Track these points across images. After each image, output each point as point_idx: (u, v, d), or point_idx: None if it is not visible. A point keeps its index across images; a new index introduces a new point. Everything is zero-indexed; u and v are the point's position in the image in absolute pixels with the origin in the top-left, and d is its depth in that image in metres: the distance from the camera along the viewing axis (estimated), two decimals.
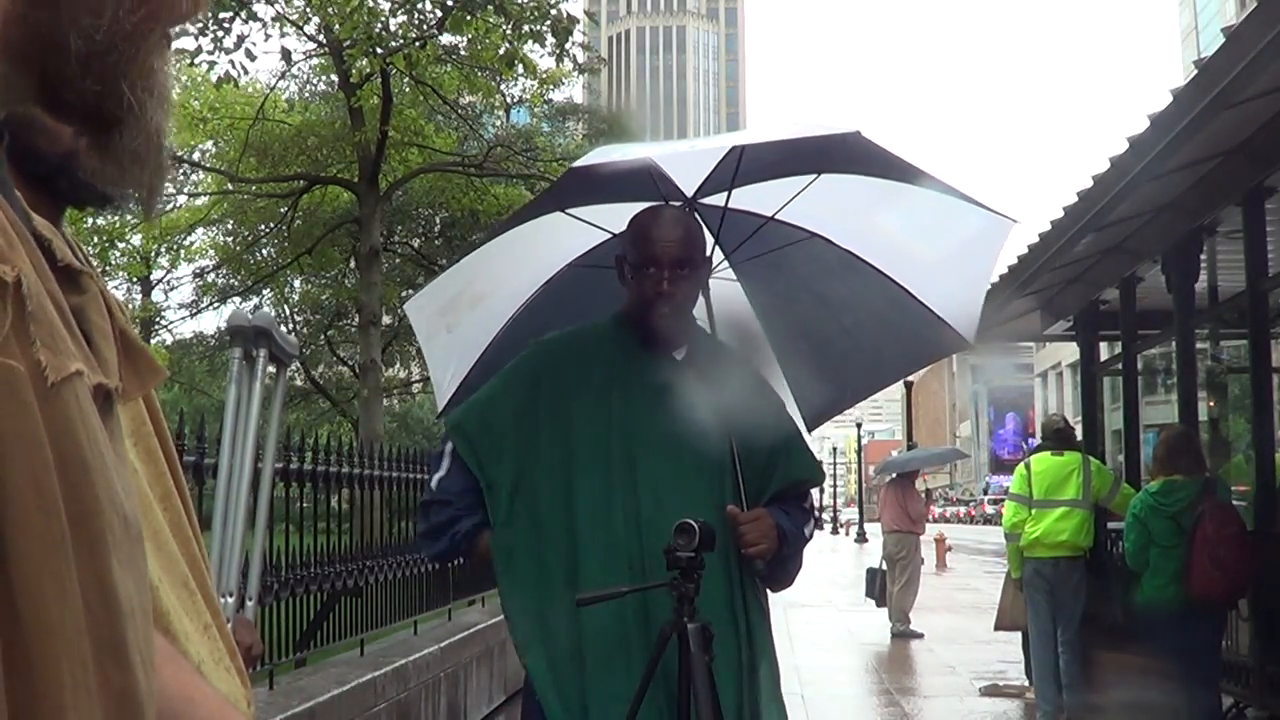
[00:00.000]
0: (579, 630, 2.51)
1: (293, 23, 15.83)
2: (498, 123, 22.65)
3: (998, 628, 8.25)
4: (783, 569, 2.69)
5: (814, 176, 3.00)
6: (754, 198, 3.08)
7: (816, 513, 2.89)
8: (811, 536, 2.78)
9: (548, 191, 3.29)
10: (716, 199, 3.03)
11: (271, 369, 3.08)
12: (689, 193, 2.97)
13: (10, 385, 0.63)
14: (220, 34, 13.64)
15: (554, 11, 13.86)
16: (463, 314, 3.25)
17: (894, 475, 13.25)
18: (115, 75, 0.74)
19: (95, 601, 0.67)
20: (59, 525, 0.65)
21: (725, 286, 3.16)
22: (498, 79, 17.71)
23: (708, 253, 2.79)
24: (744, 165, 2.89)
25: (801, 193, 3.03)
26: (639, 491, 2.56)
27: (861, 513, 46.35)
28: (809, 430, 3.47)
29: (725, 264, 3.20)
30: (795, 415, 3.38)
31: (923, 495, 14.01)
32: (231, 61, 13.91)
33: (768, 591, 2.78)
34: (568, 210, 3.10)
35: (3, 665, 0.61)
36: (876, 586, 12.71)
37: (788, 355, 3.36)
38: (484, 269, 3.20)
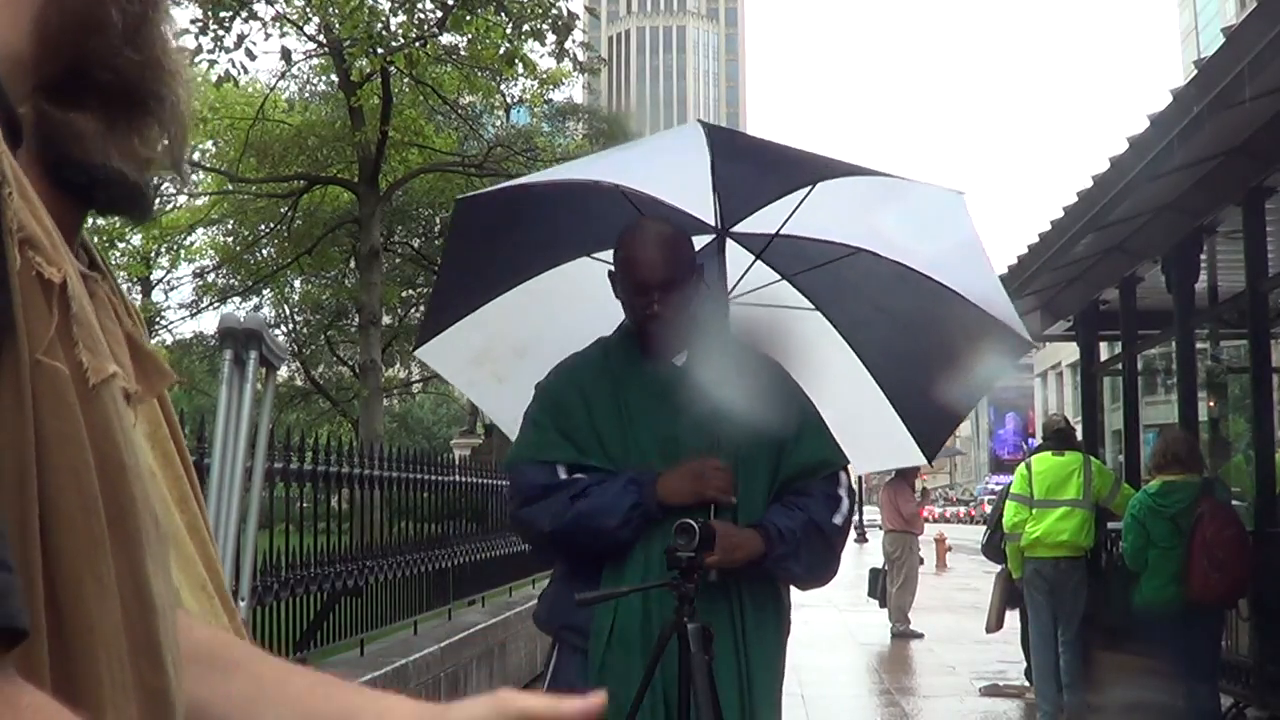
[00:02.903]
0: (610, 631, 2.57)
1: (293, 22, 15.81)
2: (498, 123, 22.65)
3: (989, 630, 8.29)
4: (783, 568, 2.66)
5: (809, 188, 2.98)
6: (762, 221, 3.08)
7: (849, 496, 2.77)
8: (843, 524, 2.71)
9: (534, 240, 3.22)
10: (744, 226, 3.06)
11: (262, 370, 3.12)
12: (713, 223, 3.02)
13: (56, 387, 0.64)
14: (220, 33, 13.63)
15: (555, 9, 13.85)
16: (508, 365, 3.30)
17: (892, 474, 13.24)
18: (152, 43, 0.75)
19: (131, 601, 0.68)
20: (99, 525, 0.65)
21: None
22: (498, 79, 17.69)
23: (696, 260, 2.79)
24: (741, 189, 2.93)
25: (803, 202, 3.01)
26: None
27: (861, 513, 46.33)
28: (929, 462, 3.51)
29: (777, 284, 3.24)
30: (912, 449, 3.38)
31: (917, 495, 13.98)
32: (231, 61, 13.90)
33: (789, 595, 2.79)
34: (594, 256, 3.12)
35: (47, 662, 0.62)
36: (879, 587, 12.70)
37: (889, 384, 3.32)
38: (515, 320, 3.25)
